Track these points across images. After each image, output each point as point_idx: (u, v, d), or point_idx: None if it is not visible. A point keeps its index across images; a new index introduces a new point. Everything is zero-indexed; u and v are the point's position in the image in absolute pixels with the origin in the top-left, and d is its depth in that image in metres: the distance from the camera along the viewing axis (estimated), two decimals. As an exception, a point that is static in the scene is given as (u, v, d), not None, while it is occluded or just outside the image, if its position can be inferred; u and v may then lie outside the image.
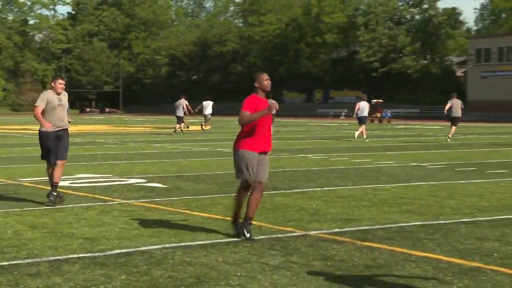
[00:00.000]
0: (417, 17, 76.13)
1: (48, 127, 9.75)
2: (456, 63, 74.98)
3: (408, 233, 7.60)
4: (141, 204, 9.77)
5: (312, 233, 7.64)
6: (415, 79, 70.88)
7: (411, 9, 76.35)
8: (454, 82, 71.46)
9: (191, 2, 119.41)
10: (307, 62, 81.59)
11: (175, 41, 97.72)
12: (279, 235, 7.52)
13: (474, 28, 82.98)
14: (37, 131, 10.04)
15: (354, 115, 28.01)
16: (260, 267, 6.08)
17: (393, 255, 6.55)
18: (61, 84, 9.93)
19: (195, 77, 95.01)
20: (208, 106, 35.50)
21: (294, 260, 6.33)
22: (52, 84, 9.98)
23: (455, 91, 71.72)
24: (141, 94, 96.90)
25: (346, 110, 68.51)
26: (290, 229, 7.87)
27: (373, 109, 56.22)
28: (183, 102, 31.77)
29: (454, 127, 24.79)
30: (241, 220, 7.45)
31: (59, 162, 9.80)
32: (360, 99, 27.88)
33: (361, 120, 26.61)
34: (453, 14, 73.53)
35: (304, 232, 7.66)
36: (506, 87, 59.67)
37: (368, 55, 72.40)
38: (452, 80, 71.52)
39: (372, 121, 53.55)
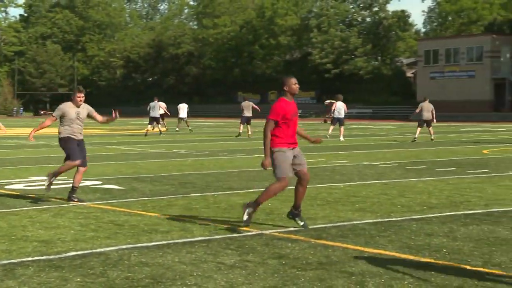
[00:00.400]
0: (368, 19, 77.05)
1: (31, 140, 10.55)
2: (406, 64, 76.07)
3: (360, 231, 7.69)
4: (97, 206, 9.67)
5: (267, 232, 7.67)
6: (367, 80, 71.70)
7: (362, 12, 77.22)
8: (404, 82, 72.51)
9: (145, 5, 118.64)
10: (261, 63, 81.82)
11: (130, 44, 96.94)
12: (235, 235, 7.52)
13: (423, 30, 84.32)
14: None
15: (331, 115, 28.74)
16: (216, 267, 6.08)
17: (346, 252, 6.62)
18: (79, 97, 10.09)
19: (150, 79, 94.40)
20: (183, 108, 36.12)
21: (250, 259, 6.35)
22: (72, 98, 10.21)
23: (405, 92, 72.60)
24: (96, 96, 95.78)
25: (300, 111, 68.98)
26: (246, 228, 7.87)
27: (326, 109, 56.71)
28: (162, 104, 32.24)
29: (429, 128, 25.78)
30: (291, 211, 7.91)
31: (81, 169, 10.24)
32: (337, 99, 28.46)
33: (339, 121, 27.49)
34: (402, 17, 74.58)
35: (259, 231, 7.69)
36: (453, 87, 60.80)
37: (321, 56, 72.97)
38: (402, 81, 72.54)
39: (325, 121, 53.91)
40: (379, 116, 63.54)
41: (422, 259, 6.29)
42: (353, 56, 72.67)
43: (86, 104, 10.24)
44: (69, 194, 10.18)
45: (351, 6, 77.80)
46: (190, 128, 35.71)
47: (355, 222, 8.23)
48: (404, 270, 5.88)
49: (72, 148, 10.11)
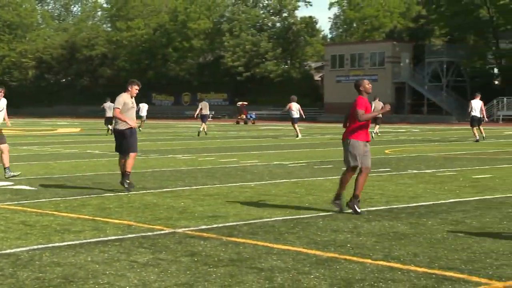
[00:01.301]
0: (278, 24, 77.89)
1: (135, 126, 10.99)
2: (314, 68, 77.35)
3: (270, 228, 7.75)
4: (6, 207, 9.34)
5: (180, 230, 7.62)
6: (277, 83, 72.46)
7: (272, 17, 78.00)
8: (312, 85, 73.68)
9: (58, 6, 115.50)
10: (175, 66, 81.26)
11: (42, 44, 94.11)
12: (148, 233, 7.44)
13: (329, 35, 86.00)
14: None
15: (284, 113, 29.72)
16: (129, 265, 5.99)
17: (256, 248, 6.66)
18: (137, 89, 10.99)
19: (63, 80, 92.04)
20: (143, 108, 37.83)
21: (163, 257, 6.29)
22: (129, 88, 10.96)
23: (313, 94, 73.74)
24: (8, 97, 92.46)
25: (213, 112, 68.87)
26: (159, 227, 7.81)
27: (238, 111, 56.96)
28: (111, 104, 32.20)
29: (376, 125, 27.71)
30: (348, 200, 8.78)
31: (132, 154, 10.88)
32: (291, 100, 29.20)
33: (294, 121, 28.83)
34: (310, 23, 75.81)
35: (172, 230, 7.63)
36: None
37: (233, 59, 73.24)
38: (310, 84, 73.69)
39: (237, 122, 54.17)
40: (289, 118, 64.33)
41: (328, 254, 6.41)
42: (264, 60, 73.31)
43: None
44: (122, 179, 10.88)
45: (262, 12, 78.47)
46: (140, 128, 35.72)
47: (265, 220, 8.30)
48: (311, 265, 5.97)
49: (118, 142, 11.06)
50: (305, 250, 6.57)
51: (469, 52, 56.18)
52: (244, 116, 55.45)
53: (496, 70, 60.41)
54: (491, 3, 54.23)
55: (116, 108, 10.87)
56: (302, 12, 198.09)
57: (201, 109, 31.56)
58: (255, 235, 7.32)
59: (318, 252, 6.48)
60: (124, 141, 10.92)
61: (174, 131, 37.61)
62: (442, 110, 57.74)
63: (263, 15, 77.95)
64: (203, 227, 7.82)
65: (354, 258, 6.22)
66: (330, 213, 8.77)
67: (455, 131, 35.82)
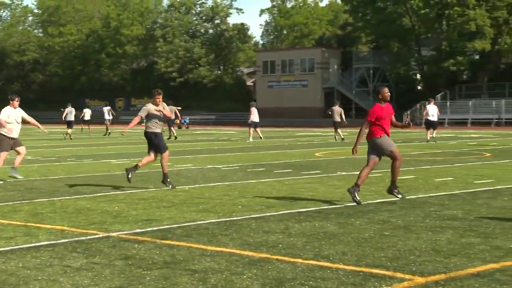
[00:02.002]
0: (211, 31, 77.83)
1: (125, 133, 12.96)
2: (246, 73, 77.64)
3: (204, 230, 7.74)
4: None
5: (114, 234, 7.52)
6: (210, 88, 72.42)
7: (205, 24, 77.90)
8: (245, 91, 73.93)
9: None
10: (108, 71, 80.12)
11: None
12: (82, 238, 7.31)
13: (261, 42, 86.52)
14: None
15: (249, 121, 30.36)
16: (62, 270, 5.87)
17: (190, 251, 6.64)
18: (159, 98, 11.86)
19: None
20: (108, 112, 40.00)
21: (97, 261, 6.19)
22: (154, 97, 11.89)
23: (245, 99, 73.82)
24: None
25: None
26: (93, 231, 7.68)
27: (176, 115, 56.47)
28: (72, 109, 34.04)
29: (338, 130, 28.89)
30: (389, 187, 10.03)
31: (164, 154, 11.87)
32: (252, 105, 30.57)
33: (256, 125, 29.64)
34: (242, 29, 76.11)
35: (106, 234, 7.52)
36: (289, 95, 62.91)
37: (166, 65, 72.75)
38: (243, 89, 73.93)
39: (179, 127, 53.69)
40: (222, 122, 64.32)
41: (260, 255, 6.45)
42: (197, 66, 73.13)
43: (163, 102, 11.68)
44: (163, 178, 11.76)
45: (194, 18, 78.28)
46: (108, 132, 37.67)
47: (199, 222, 8.28)
48: (244, 266, 5.99)
49: (151, 144, 11.94)
50: (238, 251, 6.59)
51: (393, 59, 57.52)
52: (178, 121, 55.07)
53: (418, 76, 62.06)
54: (413, 12, 55.69)
55: (138, 115, 11.86)
56: (234, 19, 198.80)
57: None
58: (189, 238, 7.29)
59: (250, 253, 6.51)
60: (155, 143, 11.86)
61: (110, 136, 37.02)
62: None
63: (196, 22, 77.80)
64: (138, 230, 7.74)
65: (285, 258, 6.28)
66: (263, 215, 8.83)
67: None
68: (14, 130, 13.31)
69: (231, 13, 78.97)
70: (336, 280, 5.49)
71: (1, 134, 13.14)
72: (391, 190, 10.00)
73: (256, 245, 6.87)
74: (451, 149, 22.48)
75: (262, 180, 13.02)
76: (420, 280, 5.48)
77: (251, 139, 29.20)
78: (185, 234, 7.49)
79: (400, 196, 9.93)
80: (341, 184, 12.27)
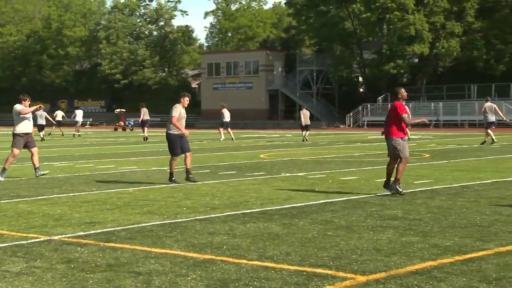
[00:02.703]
0: (155, 33, 77.26)
1: (187, 135, 13.17)
2: (191, 75, 77.36)
3: (148, 232, 7.67)
4: None
5: (56, 237, 7.37)
6: (155, 90, 71.84)
7: (149, 26, 77.27)
8: (190, 93, 73.55)
9: None
10: (50, 73, 78.56)
11: None
12: (22, 242, 7.14)
13: (206, 44, 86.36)
14: None
15: (221, 121, 32.63)
16: (1, 275, 5.72)
17: (134, 253, 6.57)
18: (188, 101, 13.05)
19: None
20: (79, 114, 41.38)
21: (37, 265, 6.06)
22: (181, 100, 13.01)
23: (190, 101, 73.87)
24: None
25: (91, 119, 67.17)
26: (34, 235, 7.51)
27: (116, 118, 55.81)
28: (44, 113, 34.67)
29: (305, 131, 30.47)
30: (391, 182, 10.70)
31: (188, 154, 12.88)
32: (223, 107, 32.97)
33: (227, 125, 31.98)
34: (186, 31, 75.82)
35: (48, 237, 7.37)
36: (234, 97, 62.98)
37: (110, 67, 71.84)
38: (188, 91, 73.57)
39: (115, 129, 53.12)
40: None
41: (205, 256, 6.43)
42: (141, 67, 72.47)
43: None
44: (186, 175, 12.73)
45: (139, 20, 77.55)
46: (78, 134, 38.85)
47: (143, 224, 8.20)
48: (188, 267, 5.97)
49: (175, 145, 12.89)
50: (182, 253, 6.55)
51: (336, 62, 58.26)
52: (122, 123, 54.46)
53: (360, 79, 63.04)
54: (354, 16, 56.55)
55: (173, 116, 12.67)
56: (178, 21, 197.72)
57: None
58: (133, 240, 7.21)
59: (195, 255, 6.48)
60: (180, 144, 12.81)
61: (51, 138, 36.29)
62: (313, 116, 59.47)
63: (140, 24, 77.10)
64: (81, 233, 7.61)
65: (230, 259, 6.28)
66: (207, 216, 8.81)
67: (324, 136, 37.01)
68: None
69: (175, 15, 78.74)
70: (280, 280, 5.52)
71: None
72: (393, 187, 10.68)
73: (201, 247, 6.85)
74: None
75: (207, 182, 12.99)
76: (361, 278, 5.56)
77: (222, 138, 31.42)
78: (129, 237, 7.40)
79: (401, 190, 10.61)
80: (285, 185, 12.35)
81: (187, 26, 76.14)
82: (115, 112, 58.04)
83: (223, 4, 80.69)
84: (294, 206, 9.63)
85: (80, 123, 41.12)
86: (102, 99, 75.41)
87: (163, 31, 75.92)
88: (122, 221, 8.46)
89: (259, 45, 71.24)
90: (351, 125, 55.46)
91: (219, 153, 22.14)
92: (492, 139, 24.96)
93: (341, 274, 5.71)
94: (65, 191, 11.63)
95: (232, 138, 31.19)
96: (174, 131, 12.85)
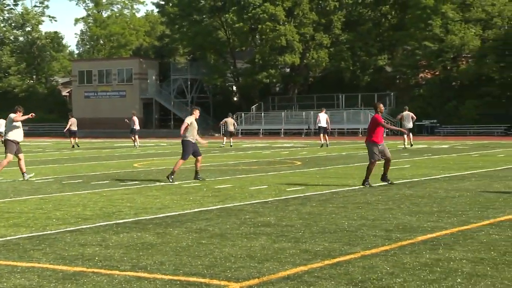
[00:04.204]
0: (21, 39, 74.12)
1: (206, 145, 16.64)
2: (61, 83, 74.90)
3: (14, 246, 7.34)
4: None
5: None
6: (22, 98, 68.79)
7: (14, 31, 74.04)
8: (60, 101, 71.30)
9: None
10: None
11: None
12: None
13: (76, 51, 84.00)
14: None
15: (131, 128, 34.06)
16: None
17: (-1, 269, 6.26)
18: (198, 113, 14.98)
19: None
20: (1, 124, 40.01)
21: None
22: (193, 112, 14.88)
23: (61, 109, 71.31)
24: None
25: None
26: None
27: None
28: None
29: (230, 139, 32.89)
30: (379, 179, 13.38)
31: (199, 157, 14.87)
32: (133, 114, 34.91)
33: (134, 131, 33.53)
34: (55, 38, 73.45)
35: None
36: (107, 106, 61.72)
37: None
38: (58, 99, 71.23)
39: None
40: (36, 133, 61.45)
41: (75, 268, 6.24)
42: (6, 74, 69.32)
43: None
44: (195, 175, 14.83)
45: (3, 25, 74.12)
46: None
47: (8, 238, 7.83)
48: (57, 281, 5.77)
49: (189, 150, 14.69)
50: (51, 266, 6.32)
51: (210, 70, 58.61)
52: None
53: (234, 88, 63.82)
54: (227, 26, 57.21)
55: (185, 123, 14.55)
56: (47, 27, 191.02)
57: None
58: (-2, 255, 6.87)
59: (65, 267, 6.28)
60: (193, 149, 14.67)
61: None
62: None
63: (5, 29, 73.69)
64: None
65: (102, 271, 6.13)
66: (78, 227, 8.56)
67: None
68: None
69: (43, 21, 76.28)
70: (153, 290, 5.46)
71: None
72: (384, 178, 13.28)
73: (71, 259, 6.65)
74: (266, 158, 23.36)
75: (78, 192, 12.63)
76: (234, 285, 5.62)
77: (138, 144, 33.11)
78: (-7, 252, 7.04)
79: (390, 181, 13.27)
80: (159, 194, 12.25)
81: (56, 32, 73.78)
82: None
83: (94, 11, 78.94)
84: (168, 215, 9.57)
85: None
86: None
87: (30, 37, 73.00)
88: (-14, 235, 8.04)
89: (132, 53, 70.30)
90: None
91: (92, 163, 21.58)
92: (410, 143, 28.45)
93: (215, 282, 5.74)
94: None
95: (135, 146, 32.85)
96: (190, 138, 14.55)
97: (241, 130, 55.56)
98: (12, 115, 15.50)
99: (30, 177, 15.60)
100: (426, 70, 53.00)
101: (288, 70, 58.59)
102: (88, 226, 8.69)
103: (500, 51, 47.08)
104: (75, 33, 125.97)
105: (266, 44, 53.81)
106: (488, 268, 6.08)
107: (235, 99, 64.80)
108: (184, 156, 14.64)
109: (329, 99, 54.95)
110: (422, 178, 14.55)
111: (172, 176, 14.40)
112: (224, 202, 11.01)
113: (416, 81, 53.51)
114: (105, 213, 9.84)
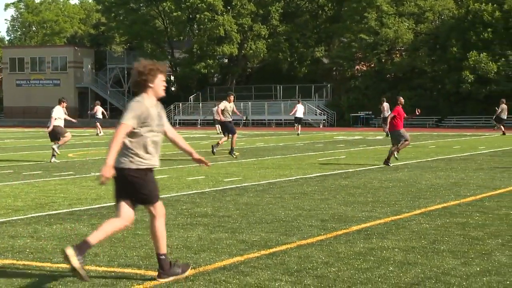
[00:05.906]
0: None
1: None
2: (-9, 70, 72.69)
3: None
4: None
5: None
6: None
7: None
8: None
9: None
10: None
11: None
12: None
13: (7, 38, 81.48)
14: None
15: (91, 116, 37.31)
16: None
17: None
18: (232, 98, 18.30)
19: None
20: None
21: None
22: (228, 98, 18.15)
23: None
24: None
25: None
26: None
27: None
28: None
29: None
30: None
31: (234, 135, 18.36)
32: (96, 104, 37.05)
33: (97, 120, 35.58)
34: (-14, 23, 71.22)
35: None
36: (40, 94, 60.24)
37: None
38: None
39: None
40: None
41: (5, 261, 6.07)
42: None
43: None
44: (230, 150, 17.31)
45: None
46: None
47: None
48: (-14, 274, 5.59)
49: (229, 127, 18.43)
50: (-20, 260, 6.13)
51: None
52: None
53: (172, 78, 63.30)
54: (165, 15, 56.64)
55: (219, 108, 18.12)
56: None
57: None
58: None
59: (-6, 261, 6.09)
60: (229, 128, 18.17)
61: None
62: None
63: None
64: None
65: (33, 263, 5.99)
66: (9, 219, 8.33)
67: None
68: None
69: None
70: (86, 282, 5.36)
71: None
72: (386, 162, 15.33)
73: (1, 251, 6.46)
74: (204, 148, 23.28)
75: (9, 183, 12.28)
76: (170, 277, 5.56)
77: (102, 133, 34.36)
78: None
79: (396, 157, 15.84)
80: (94, 184, 12.04)
81: (-14, 17, 71.47)
82: None
83: (27, -4, 76.86)
84: (103, 206, 9.42)
85: None
86: None
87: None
88: None
89: (67, 41, 68.81)
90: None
91: (23, 153, 21.03)
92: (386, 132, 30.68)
93: (150, 273, 5.69)
94: None
95: (97, 134, 34.71)
96: (227, 119, 18.09)
97: (179, 120, 55.19)
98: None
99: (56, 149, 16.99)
100: (362, 62, 53.86)
101: (226, 60, 58.52)
102: (19, 217, 8.47)
103: (432, 44, 48.34)
104: (5, 19, 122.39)
105: (204, 34, 53.57)
106: (419, 256, 6.23)
107: (172, 89, 64.27)
108: (233, 132, 18.27)
109: (267, 90, 55.20)
110: (358, 169, 14.80)
111: (234, 152, 18.02)
112: (160, 192, 10.86)
113: (352, 73, 54.31)
114: (38, 204, 9.60)
